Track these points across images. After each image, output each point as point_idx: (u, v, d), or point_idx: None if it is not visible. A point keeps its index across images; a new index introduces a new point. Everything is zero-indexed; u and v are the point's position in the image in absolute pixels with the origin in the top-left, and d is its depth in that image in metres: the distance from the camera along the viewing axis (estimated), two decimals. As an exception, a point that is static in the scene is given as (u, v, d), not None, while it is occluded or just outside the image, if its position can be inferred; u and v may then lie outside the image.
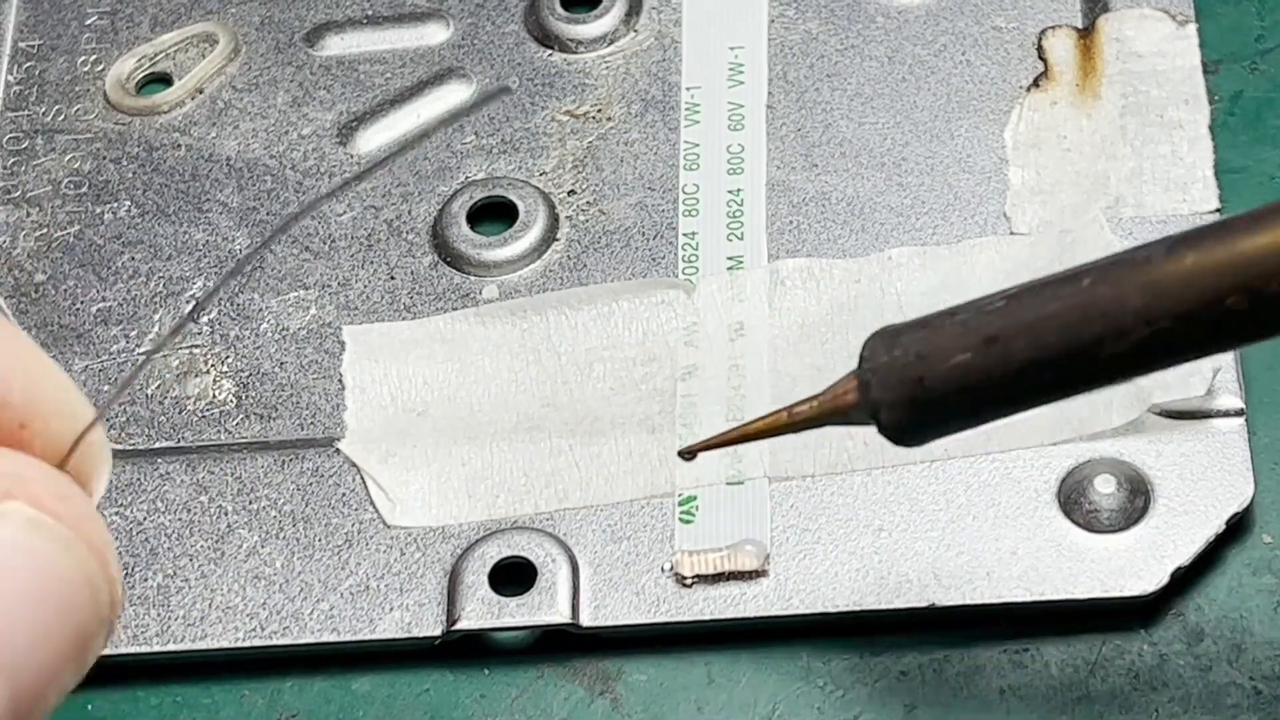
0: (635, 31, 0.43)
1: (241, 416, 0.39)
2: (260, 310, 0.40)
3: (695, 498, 0.37)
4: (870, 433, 0.37)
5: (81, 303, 0.41)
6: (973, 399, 0.30)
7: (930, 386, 0.30)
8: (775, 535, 0.36)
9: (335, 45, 0.44)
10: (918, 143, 0.41)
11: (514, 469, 0.38)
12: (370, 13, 0.44)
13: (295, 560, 0.37)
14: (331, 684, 0.36)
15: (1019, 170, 0.40)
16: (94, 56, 0.44)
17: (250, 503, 0.38)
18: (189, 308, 0.40)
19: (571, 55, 0.43)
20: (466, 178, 0.42)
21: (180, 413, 0.39)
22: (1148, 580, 0.35)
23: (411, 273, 0.40)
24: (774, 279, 0.39)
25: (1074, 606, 0.35)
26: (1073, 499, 0.36)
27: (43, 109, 0.44)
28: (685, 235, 0.40)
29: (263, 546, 0.37)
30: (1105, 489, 0.36)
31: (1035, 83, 0.41)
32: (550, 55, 0.43)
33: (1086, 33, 0.41)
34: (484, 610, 0.36)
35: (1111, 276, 0.30)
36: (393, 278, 0.40)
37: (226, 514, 0.38)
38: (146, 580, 0.37)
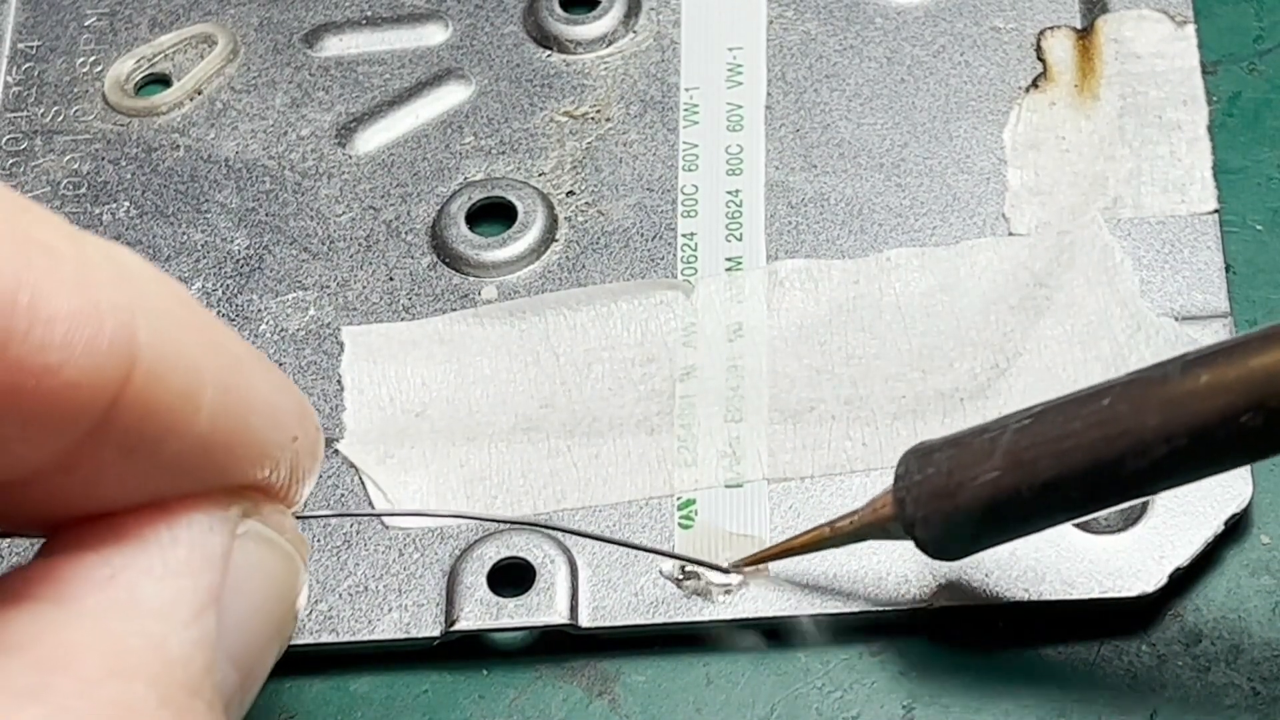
0: (634, 32, 0.43)
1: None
2: (259, 311, 0.40)
3: (694, 500, 0.37)
4: (869, 433, 0.37)
5: (80, 304, 0.41)
6: (1002, 515, 0.32)
7: (961, 504, 0.32)
8: (774, 536, 0.36)
9: (334, 46, 0.44)
10: (916, 143, 0.41)
11: (512, 470, 0.38)
12: (369, 14, 0.44)
13: (294, 561, 0.37)
14: (330, 685, 0.36)
15: (1017, 171, 0.40)
16: (93, 58, 0.44)
17: (249, 503, 0.38)
18: None
19: (570, 56, 0.43)
20: (465, 178, 0.42)
21: (179, 413, 0.39)
22: (1146, 581, 0.35)
23: (410, 273, 0.40)
24: (773, 280, 0.39)
25: (1073, 607, 0.35)
26: (1071, 500, 0.36)
27: (41, 110, 0.44)
28: (684, 236, 0.40)
29: (261, 547, 0.37)
30: (1104, 490, 0.36)
31: (1034, 83, 0.41)
32: (549, 56, 0.43)
33: (1085, 33, 0.41)
34: (482, 611, 0.36)
35: (1131, 395, 0.31)
36: (392, 278, 0.40)
37: (225, 515, 0.38)
38: (145, 581, 0.37)
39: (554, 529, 0.36)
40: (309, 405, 0.29)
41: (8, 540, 0.37)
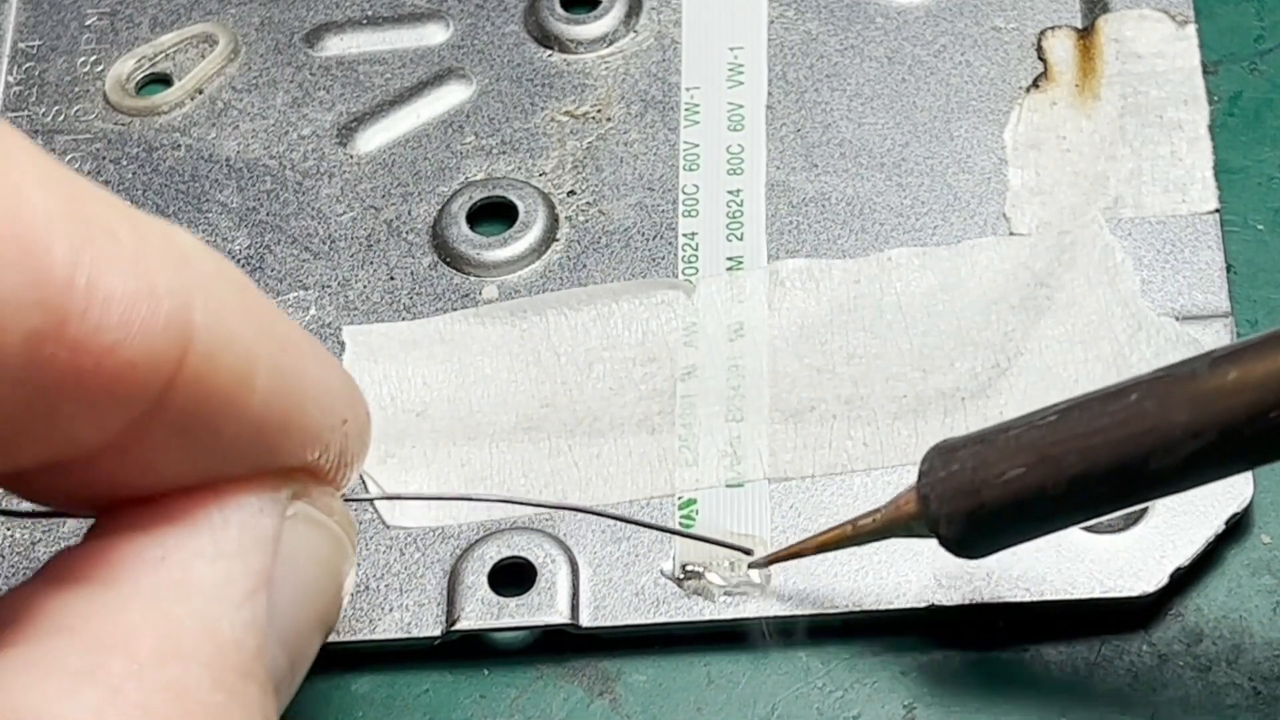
0: (635, 32, 0.43)
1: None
2: (260, 311, 0.40)
3: (695, 500, 0.37)
4: (870, 432, 0.37)
5: (81, 303, 0.41)
6: (1027, 513, 0.32)
7: (986, 501, 0.32)
8: (775, 536, 0.36)
9: (335, 46, 0.44)
10: (917, 143, 0.41)
11: (513, 469, 0.38)
12: (370, 13, 0.44)
13: (295, 561, 0.37)
14: (331, 684, 0.36)
15: (1018, 171, 0.40)
16: (94, 57, 0.44)
17: (250, 503, 0.38)
18: None
19: (571, 55, 0.43)
20: (466, 178, 0.42)
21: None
22: (1147, 581, 0.35)
23: (411, 273, 0.40)
24: (773, 279, 0.39)
25: (1073, 607, 0.35)
26: (1072, 499, 0.36)
27: (42, 110, 0.44)
28: (685, 236, 0.40)
29: (262, 547, 0.37)
30: (1105, 490, 0.36)
31: (1035, 83, 0.41)
32: (550, 55, 0.43)
33: (1086, 33, 0.41)
34: (483, 610, 0.36)
35: (1158, 392, 0.31)
36: (392, 278, 0.40)
37: (226, 514, 0.38)
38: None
39: (572, 509, 0.36)
40: (359, 389, 0.29)
41: (56, 520, 0.37)
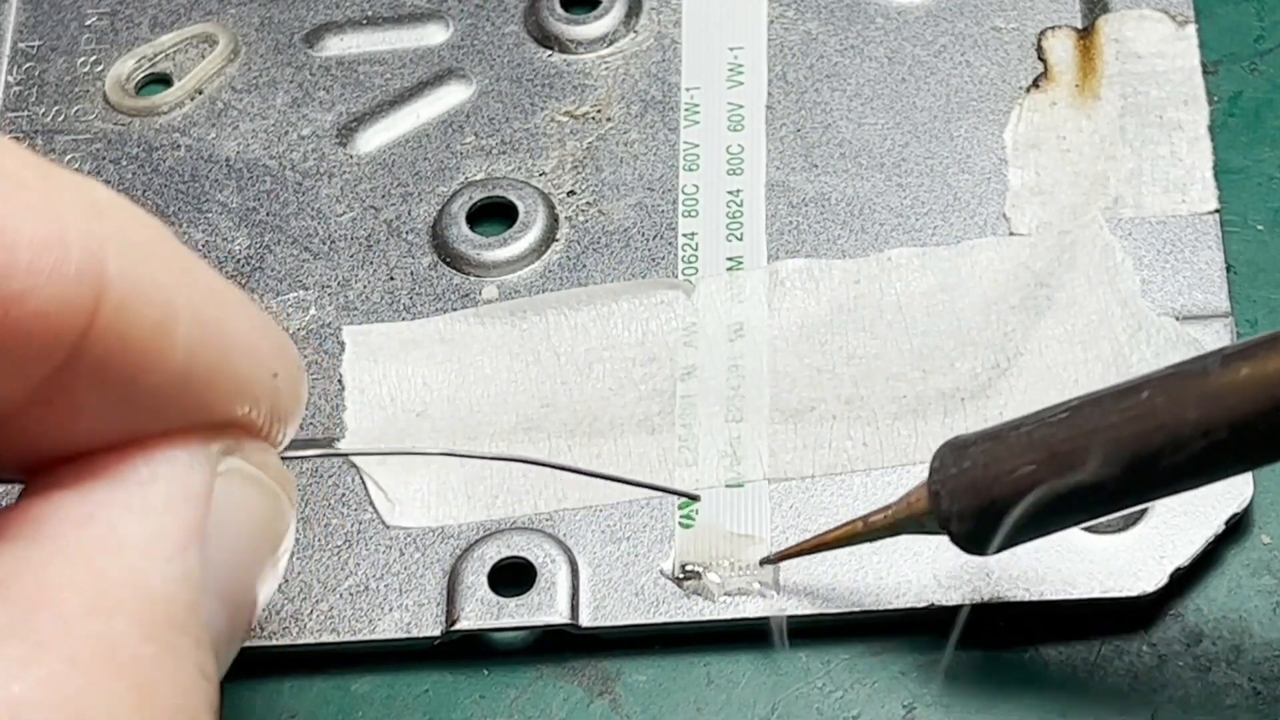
0: (635, 32, 0.43)
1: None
2: (260, 311, 0.40)
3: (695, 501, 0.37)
4: (870, 433, 0.37)
5: (81, 303, 0.41)
6: (1038, 510, 0.32)
7: (997, 498, 0.32)
8: (775, 536, 0.36)
9: (335, 46, 0.44)
10: (917, 143, 0.41)
11: (513, 469, 0.38)
12: (370, 13, 0.44)
13: (294, 561, 0.37)
14: (331, 684, 0.36)
15: (1018, 171, 0.40)
16: (94, 57, 0.44)
17: (250, 503, 0.38)
18: None
19: (571, 56, 0.43)
20: (466, 178, 0.42)
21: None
22: (1147, 581, 0.35)
23: (411, 273, 0.40)
24: (773, 280, 0.39)
25: (1073, 607, 0.35)
26: (1072, 499, 0.36)
27: (42, 110, 0.44)
28: (685, 236, 0.40)
29: (262, 547, 0.37)
30: (1105, 490, 0.36)
31: (1035, 83, 0.41)
32: (550, 56, 0.43)
33: (1086, 33, 0.41)
34: (483, 611, 0.36)
35: (1169, 388, 0.31)
36: (392, 278, 0.40)
37: (226, 514, 0.38)
38: (146, 581, 0.37)
39: (551, 465, 0.36)
40: (290, 344, 0.29)
41: None
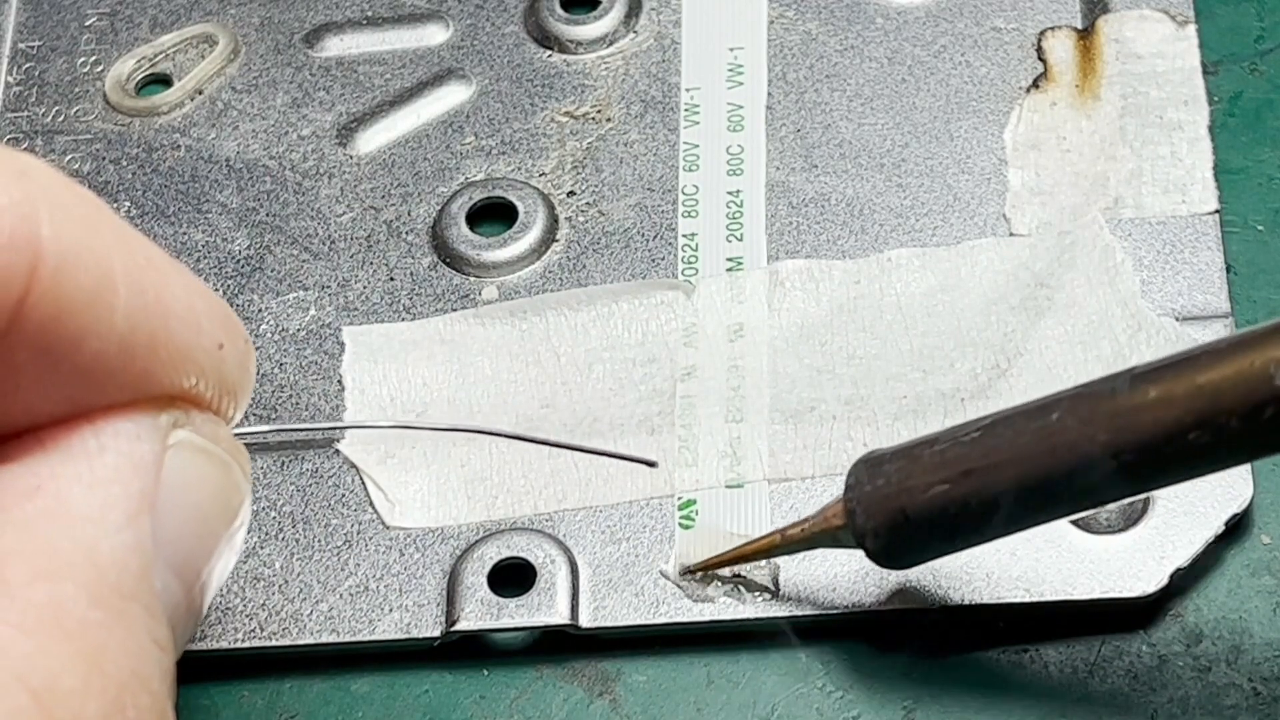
0: (635, 32, 0.43)
1: (241, 417, 0.39)
2: (260, 311, 0.40)
3: (694, 501, 0.37)
4: (870, 433, 0.37)
5: (81, 303, 0.41)
6: (951, 527, 0.32)
7: (911, 515, 0.32)
8: (774, 536, 0.36)
9: (335, 46, 0.44)
10: (917, 143, 0.41)
11: (513, 470, 0.38)
12: (370, 14, 0.44)
13: (295, 561, 0.37)
14: (331, 685, 0.36)
15: (1018, 171, 0.40)
16: (94, 57, 0.44)
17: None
18: None
19: (571, 56, 0.43)
20: (466, 179, 0.42)
21: (180, 413, 0.39)
22: (1147, 581, 0.35)
23: (411, 273, 0.40)
24: (773, 280, 0.39)
25: (1073, 607, 0.35)
26: (1072, 500, 0.36)
27: (42, 110, 0.44)
28: (685, 236, 0.40)
29: (262, 547, 0.37)
30: (1104, 490, 0.36)
31: (1035, 84, 0.41)
32: (550, 56, 0.43)
33: (1086, 34, 0.41)
34: (483, 611, 0.36)
35: (1079, 410, 0.31)
36: (392, 278, 0.40)
37: (226, 515, 0.38)
38: (146, 581, 0.37)
39: (534, 440, 0.36)
40: (235, 317, 0.29)
41: None
